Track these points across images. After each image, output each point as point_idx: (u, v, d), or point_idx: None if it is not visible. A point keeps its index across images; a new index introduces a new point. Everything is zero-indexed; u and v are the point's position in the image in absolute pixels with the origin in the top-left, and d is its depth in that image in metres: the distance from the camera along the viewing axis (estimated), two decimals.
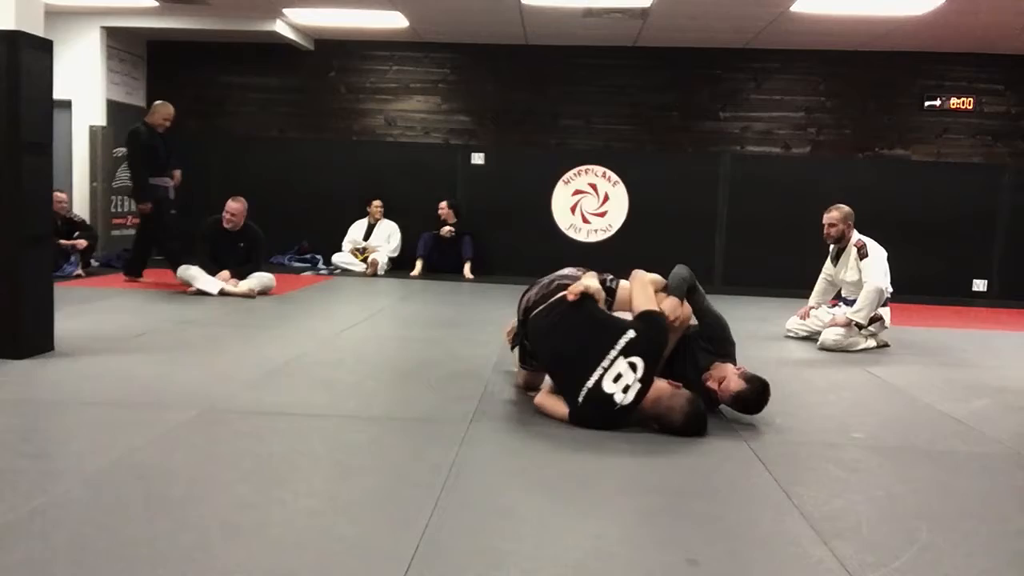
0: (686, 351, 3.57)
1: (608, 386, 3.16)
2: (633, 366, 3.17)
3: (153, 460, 2.71)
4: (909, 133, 9.25)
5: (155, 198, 7.04)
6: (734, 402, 3.38)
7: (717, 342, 3.58)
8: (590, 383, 3.17)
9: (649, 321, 3.32)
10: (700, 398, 3.25)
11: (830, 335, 5.34)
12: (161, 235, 7.12)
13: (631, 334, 3.23)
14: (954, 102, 9.10)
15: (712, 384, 3.41)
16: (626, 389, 3.15)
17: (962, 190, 8.96)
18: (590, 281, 3.48)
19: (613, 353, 3.19)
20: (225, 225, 6.82)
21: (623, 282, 3.65)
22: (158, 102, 7.31)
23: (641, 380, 3.16)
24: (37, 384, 3.68)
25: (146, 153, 7.00)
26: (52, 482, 2.43)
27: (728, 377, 3.39)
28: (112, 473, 2.55)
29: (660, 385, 3.21)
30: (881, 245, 5.71)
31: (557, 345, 3.36)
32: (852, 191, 8.97)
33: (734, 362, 3.55)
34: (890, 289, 5.59)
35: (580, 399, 3.20)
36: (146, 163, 6.99)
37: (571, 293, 3.39)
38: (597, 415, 3.19)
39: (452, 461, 2.75)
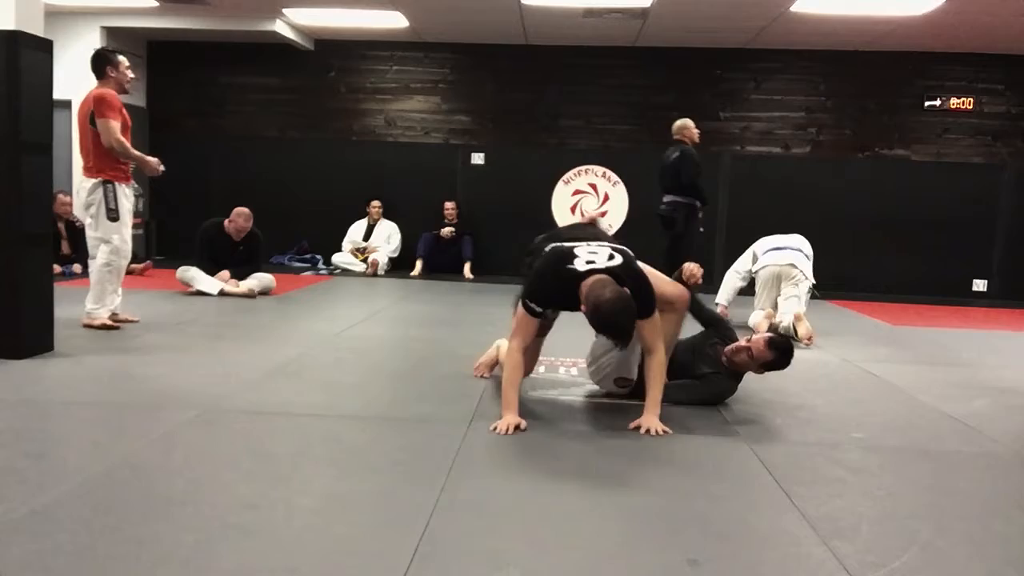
0: (696, 354, 3.73)
1: (579, 252, 3.22)
2: (611, 256, 3.21)
3: (153, 460, 2.71)
4: (909, 133, 9.25)
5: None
6: (762, 367, 3.60)
7: (723, 328, 3.87)
8: (567, 245, 3.28)
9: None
10: (631, 302, 3.13)
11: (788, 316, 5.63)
12: (687, 250, 7.04)
13: (627, 251, 3.31)
14: (954, 102, 9.10)
15: (742, 356, 3.58)
16: (590, 263, 3.17)
17: (962, 190, 8.97)
18: None
19: (605, 244, 3.29)
20: (228, 232, 6.84)
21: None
22: (687, 121, 7.23)
23: (607, 270, 3.14)
24: (37, 384, 3.68)
25: (699, 169, 7.00)
26: (52, 482, 2.43)
27: (760, 347, 3.57)
28: (112, 473, 2.55)
29: (604, 284, 3.08)
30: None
31: (564, 229, 3.61)
32: (852, 191, 9.04)
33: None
34: (745, 269, 6.26)
35: (549, 248, 3.32)
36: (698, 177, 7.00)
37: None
38: (549, 264, 3.25)
39: (452, 461, 2.75)
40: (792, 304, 5.71)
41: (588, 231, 3.52)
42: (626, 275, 3.16)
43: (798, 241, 6.16)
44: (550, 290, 3.24)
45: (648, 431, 3.18)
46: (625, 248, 3.34)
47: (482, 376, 4.06)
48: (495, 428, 3.14)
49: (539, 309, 3.25)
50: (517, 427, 3.14)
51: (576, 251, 3.22)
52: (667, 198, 7.12)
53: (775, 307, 5.87)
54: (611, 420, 3.38)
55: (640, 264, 3.38)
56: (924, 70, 9.12)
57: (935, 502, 2.62)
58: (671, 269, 4.07)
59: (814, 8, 7.40)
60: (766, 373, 3.67)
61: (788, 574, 2.07)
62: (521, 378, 3.33)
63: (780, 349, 3.58)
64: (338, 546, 2.09)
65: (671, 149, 7.18)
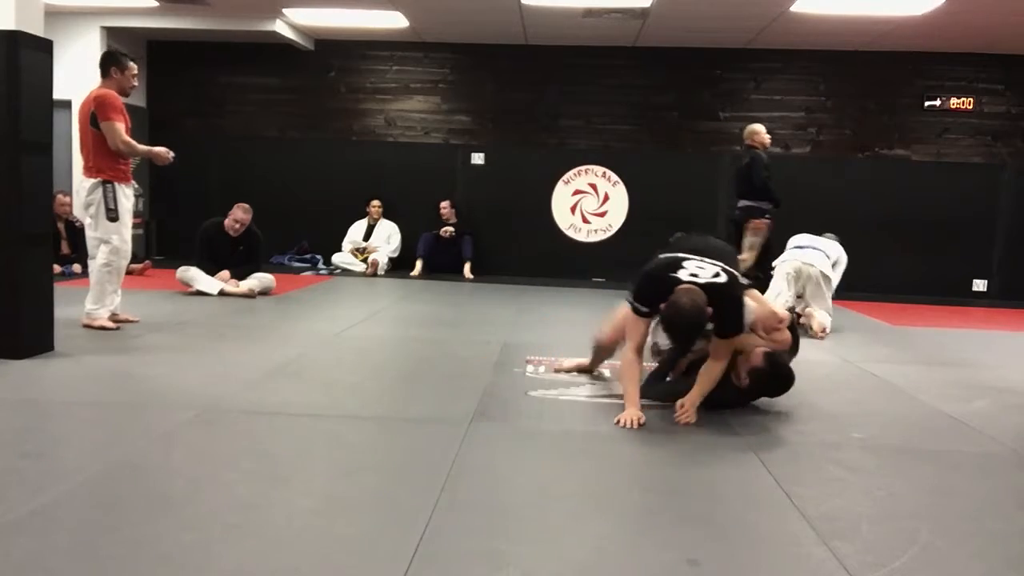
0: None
1: (688, 264, 3.39)
2: (717, 274, 3.35)
3: (153, 460, 2.71)
4: (909, 133, 9.25)
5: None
6: (748, 376, 3.48)
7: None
8: (681, 255, 3.44)
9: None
10: (704, 318, 3.29)
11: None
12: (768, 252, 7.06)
13: (736, 275, 3.46)
14: (954, 102, 9.09)
15: (741, 360, 3.50)
16: (693, 275, 3.33)
17: (962, 190, 8.97)
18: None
19: (718, 263, 3.42)
20: (228, 230, 6.84)
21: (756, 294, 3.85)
22: (756, 126, 7.26)
23: (704, 284, 3.29)
24: (37, 384, 3.68)
25: (768, 172, 7.07)
26: (52, 482, 2.43)
27: (754, 354, 3.48)
28: (112, 473, 2.55)
29: (692, 293, 3.27)
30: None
31: (702, 240, 3.70)
32: (852, 191, 9.03)
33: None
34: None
35: (662, 256, 3.48)
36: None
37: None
38: (656, 268, 3.46)
39: (452, 461, 2.75)
40: (823, 316, 5.82)
41: (712, 248, 3.63)
42: (721, 294, 3.32)
43: (824, 243, 6.21)
44: (651, 292, 3.41)
45: (682, 411, 3.36)
46: (736, 272, 3.50)
47: (556, 371, 4.19)
48: (619, 421, 3.28)
49: (644, 309, 3.43)
50: (638, 421, 3.28)
51: (685, 263, 3.41)
52: (740, 203, 7.16)
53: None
54: (611, 420, 3.38)
55: (760, 302, 3.65)
56: (924, 70, 9.12)
57: (935, 502, 2.62)
58: (762, 276, 4.13)
59: (814, 8, 7.39)
60: (751, 390, 3.53)
61: (788, 574, 2.07)
62: (639, 375, 3.50)
63: (774, 364, 3.45)
64: (338, 546, 2.09)
65: (743, 155, 7.27)
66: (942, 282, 8.93)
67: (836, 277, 6.15)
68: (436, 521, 2.24)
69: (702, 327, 3.32)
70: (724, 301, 3.33)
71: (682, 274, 3.35)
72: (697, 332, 3.35)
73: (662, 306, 3.31)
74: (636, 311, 3.46)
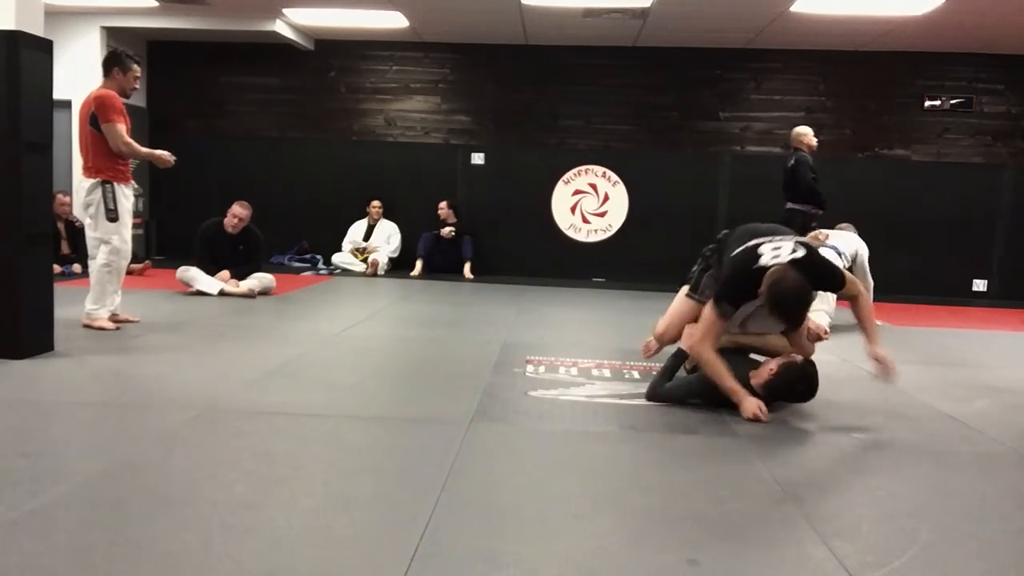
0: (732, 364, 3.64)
1: (764, 250, 3.41)
2: (794, 249, 3.40)
3: (153, 460, 2.71)
4: (909, 133, 9.26)
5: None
6: (779, 369, 3.47)
7: None
8: (751, 244, 3.46)
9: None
10: (808, 291, 3.36)
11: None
12: None
13: (811, 244, 3.56)
14: (954, 102, 9.10)
15: (771, 365, 3.52)
16: (775, 257, 3.37)
17: (962, 190, 8.97)
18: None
19: (788, 238, 3.49)
20: (227, 228, 6.83)
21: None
22: (803, 128, 7.22)
23: (791, 262, 3.34)
24: (37, 384, 3.68)
25: (816, 174, 7.02)
26: (52, 482, 2.43)
27: (766, 365, 3.51)
28: (112, 473, 2.55)
29: (787, 270, 3.32)
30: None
31: (754, 226, 3.72)
32: (852, 191, 9.03)
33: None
34: None
35: (735, 253, 3.49)
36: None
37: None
38: (736, 269, 3.47)
39: (452, 461, 2.75)
40: (819, 316, 5.76)
41: (772, 229, 3.68)
42: (809, 266, 3.39)
43: (838, 238, 6.19)
44: (743, 288, 3.46)
45: (884, 363, 3.50)
46: (809, 241, 3.60)
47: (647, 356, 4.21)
48: (749, 415, 3.35)
49: (731, 309, 3.48)
50: (764, 411, 3.36)
51: (760, 249, 3.45)
52: (787, 205, 7.14)
53: None
54: (611, 420, 3.39)
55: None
56: (924, 70, 9.12)
57: (935, 502, 2.62)
58: None
59: (814, 8, 7.40)
60: (775, 388, 3.50)
61: (788, 574, 2.07)
62: (728, 369, 3.50)
63: (810, 365, 3.48)
64: (338, 546, 2.09)
65: (789, 157, 7.24)
66: (942, 282, 8.94)
67: (864, 269, 6.15)
68: (436, 521, 2.24)
69: (810, 295, 3.36)
70: (814, 269, 3.40)
71: (764, 260, 3.40)
72: (808, 303, 3.39)
73: (760, 291, 3.35)
74: (723, 313, 3.45)
